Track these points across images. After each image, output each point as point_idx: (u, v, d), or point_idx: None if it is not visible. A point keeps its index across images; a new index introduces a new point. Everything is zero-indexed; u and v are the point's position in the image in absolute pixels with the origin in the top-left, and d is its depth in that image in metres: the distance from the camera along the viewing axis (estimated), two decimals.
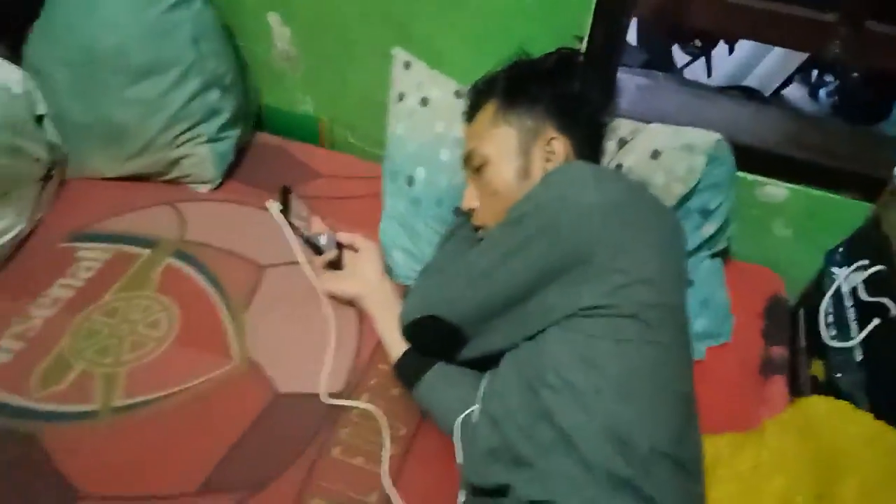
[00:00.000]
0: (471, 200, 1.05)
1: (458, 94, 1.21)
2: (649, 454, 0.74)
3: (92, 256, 1.24)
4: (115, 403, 1.02)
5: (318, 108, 1.47)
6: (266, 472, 0.95)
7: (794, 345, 1.19)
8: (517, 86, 1.03)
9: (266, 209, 1.30)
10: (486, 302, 0.89)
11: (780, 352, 1.16)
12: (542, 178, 0.92)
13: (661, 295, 0.83)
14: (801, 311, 1.22)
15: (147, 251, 1.24)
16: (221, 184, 1.39)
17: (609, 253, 0.80)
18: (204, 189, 1.38)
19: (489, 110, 1.03)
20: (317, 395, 1.04)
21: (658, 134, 1.15)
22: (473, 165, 1.03)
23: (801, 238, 1.32)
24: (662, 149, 1.12)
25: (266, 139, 1.50)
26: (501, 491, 0.79)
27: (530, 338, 0.87)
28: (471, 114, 1.08)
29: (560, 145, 0.99)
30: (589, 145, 1.05)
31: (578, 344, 0.81)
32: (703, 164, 1.11)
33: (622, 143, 1.16)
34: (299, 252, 1.13)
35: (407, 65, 1.25)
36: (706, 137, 1.12)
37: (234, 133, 1.38)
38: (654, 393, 0.79)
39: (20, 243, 1.26)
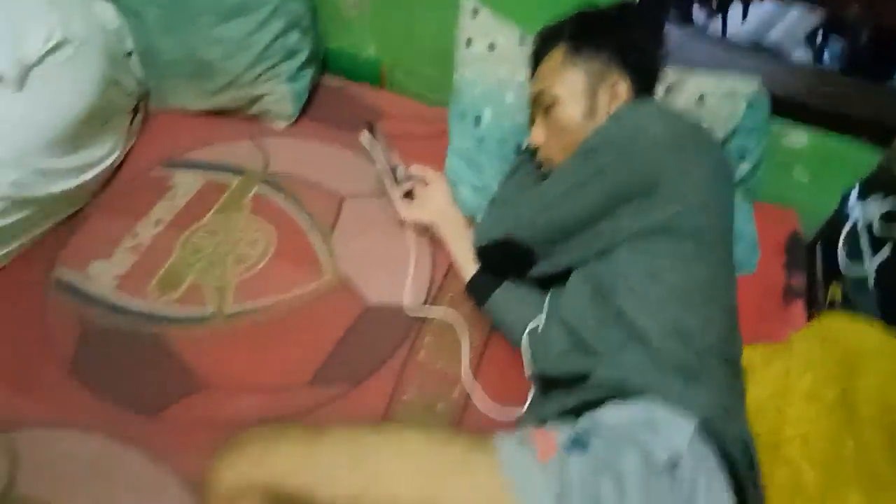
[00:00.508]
0: (537, 138, 1.17)
1: (522, 41, 1.33)
2: (705, 350, 0.90)
3: (186, 182, 1.36)
4: (227, 310, 1.16)
5: (382, 52, 1.58)
6: (363, 371, 1.11)
7: (813, 274, 1.35)
8: (584, 33, 1.15)
9: (342, 146, 1.44)
10: (560, 224, 1.03)
11: (799, 281, 1.32)
12: (612, 115, 1.05)
13: (715, 219, 0.98)
14: (819, 245, 1.38)
15: (236, 179, 1.37)
16: (296, 121, 1.51)
17: (673, 180, 0.94)
18: (281, 125, 1.50)
19: (557, 55, 1.15)
20: (401, 307, 1.19)
21: (702, 80, 1.28)
22: (543, 105, 1.15)
23: (819, 182, 1.47)
24: (707, 94, 1.26)
25: (330, 80, 1.61)
26: (575, 380, 0.95)
27: (598, 255, 1.01)
28: (538, 58, 1.20)
29: (623, 88, 1.12)
30: (646, 89, 1.18)
31: (644, 261, 0.95)
32: (743, 109, 1.25)
33: (669, 88, 1.29)
34: (387, 180, 1.26)
35: (475, 12, 1.36)
36: (746, 84, 1.25)
37: (309, 73, 1.50)
38: (707, 302, 0.94)
39: (115, 170, 1.38)
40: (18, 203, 1.17)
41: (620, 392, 0.85)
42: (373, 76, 1.60)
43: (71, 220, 1.30)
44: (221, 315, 1.15)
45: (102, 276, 1.20)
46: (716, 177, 0.99)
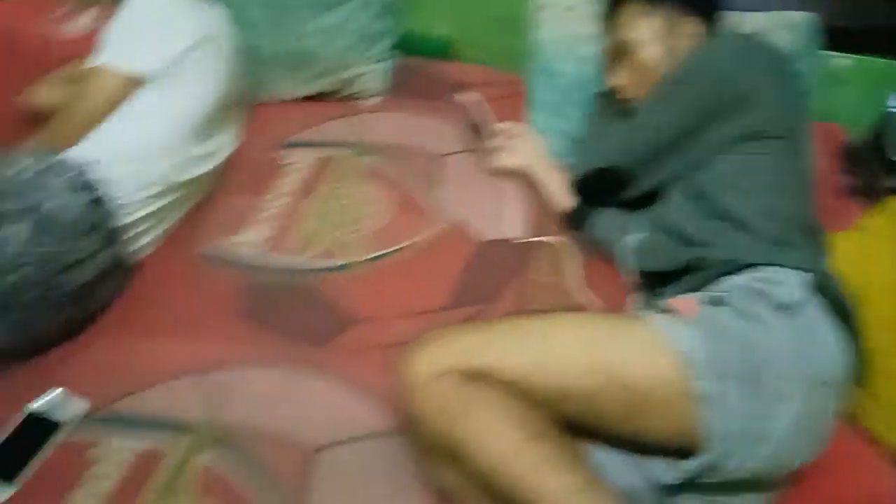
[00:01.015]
0: (621, 80, 1.31)
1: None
2: (798, 227, 1.06)
3: (299, 160, 1.54)
4: (363, 258, 1.33)
5: (453, 30, 1.75)
6: (489, 292, 1.28)
7: (867, 173, 1.49)
8: None
9: (429, 114, 1.61)
10: (655, 144, 1.19)
11: (855, 180, 1.47)
12: (693, 49, 1.20)
13: (796, 120, 1.13)
14: (868, 147, 1.52)
15: (346, 151, 1.55)
16: (384, 97, 1.69)
17: (760, 91, 1.09)
18: (371, 102, 1.67)
19: (634, 5, 1.30)
20: (509, 239, 1.36)
21: (761, 16, 1.44)
22: (624, 50, 1.30)
23: (865, 101, 1.62)
24: (767, 28, 1.42)
25: (406, 60, 1.77)
26: (687, 270, 1.09)
27: (694, 166, 1.16)
28: (614, 10, 1.35)
29: (694, 27, 1.27)
30: (714, 28, 1.33)
31: (738, 160, 1.11)
32: (799, 38, 1.40)
33: (731, 27, 1.44)
34: (484, 133, 1.43)
35: None
36: (801, 16, 1.43)
37: (394, 53, 1.67)
38: (795, 188, 1.11)
39: (234, 155, 1.56)
40: (173, 187, 1.34)
41: (735, 267, 1.01)
42: (444, 52, 1.77)
43: (206, 201, 1.47)
44: (359, 262, 1.33)
45: (247, 244, 1.37)
46: (790, 83, 1.15)
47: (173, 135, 1.35)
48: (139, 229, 1.30)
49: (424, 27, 1.75)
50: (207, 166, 1.43)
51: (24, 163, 1.17)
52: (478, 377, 0.90)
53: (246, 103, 1.63)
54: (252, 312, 1.26)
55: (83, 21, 1.91)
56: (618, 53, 1.31)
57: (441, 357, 0.93)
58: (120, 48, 1.30)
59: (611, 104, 1.38)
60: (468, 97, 1.43)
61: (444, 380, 0.90)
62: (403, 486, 1.00)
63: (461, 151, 1.54)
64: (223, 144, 1.49)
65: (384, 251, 1.34)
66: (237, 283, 1.31)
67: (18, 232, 1.10)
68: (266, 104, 1.67)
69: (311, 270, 1.32)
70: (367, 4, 1.58)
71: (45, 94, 1.53)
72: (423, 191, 1.46)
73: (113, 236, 1.24)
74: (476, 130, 1.47)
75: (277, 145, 1.58)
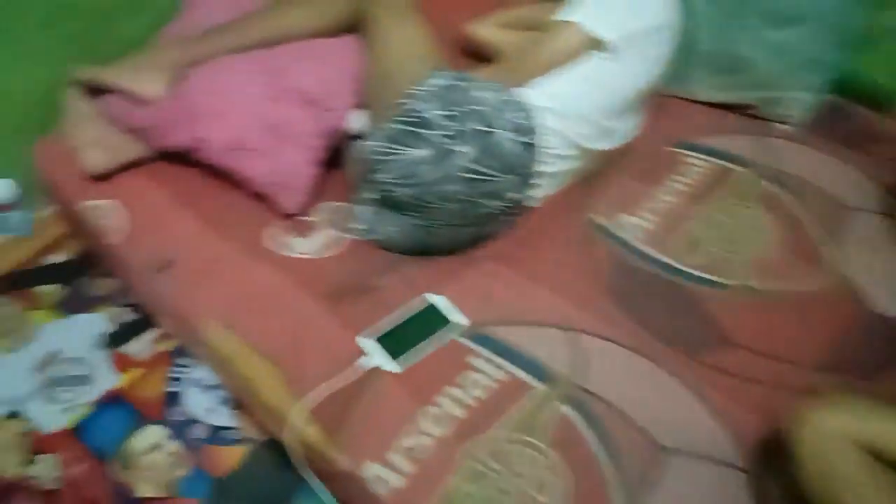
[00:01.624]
0: None
1: None
2: None
3: (696, 163, 1.53)
4: (746, 283, 1.30)
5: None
6: (868, 369, 1.18)
7: None
8: None
9: (842, 160, 1.51)
10: None
11: None
12: None
13: None
14: None
15: (747, 170, 1.51)
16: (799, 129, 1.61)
17: None
18: (786, 129, 1.60)
19: None
20: None
21: None
22: None
23: None
24: None
25: (838, 98, 1.65)
26: None
27: None
28: None
29: None
30: None
31: None
32: None
33: None
34: None
35: None
36: None
37: (829, 87, 1.58)
38: None
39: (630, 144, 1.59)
40: (579, 153, 1.40)
41: None
42: (883, 103, 1.63)
43: (597, 175, 1.52)
44: (741, 287, 1.29)
45: (630, 227, 1.40)
46: None
47: (601, 105, 1.40)
48: (543, 181, 1.39)
49: (869, 71, 1.62)
50: (612, 143, 1.47)
51: (487, 91, 1.29)
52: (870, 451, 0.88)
53: (658, 91, 1.65)
54: (621, 293, 1.29)
55: None
56: None
57: (845, 424, 0.91)
58: (595, 11, 1.36)
59: None
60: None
61: (841, 442, 0.88)
62: None
63: (873, 211, 1.42)
64: (631, 126, 1.52)
65: (769, 286, 1.29)
66: (612, 259, 1.34)
67: (469, 151, 1.23)
68: (675, 97, 1.67)
69: (690, 277, 1.31)
70: (820, 32, 1.50)
71: (491, 31, 1.67)
72: (820, 237, 1.38)
73: (527, 180, 1.34)
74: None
75: (677, 141, 1.58)
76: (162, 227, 1.37)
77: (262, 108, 1.37)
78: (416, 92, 1.25)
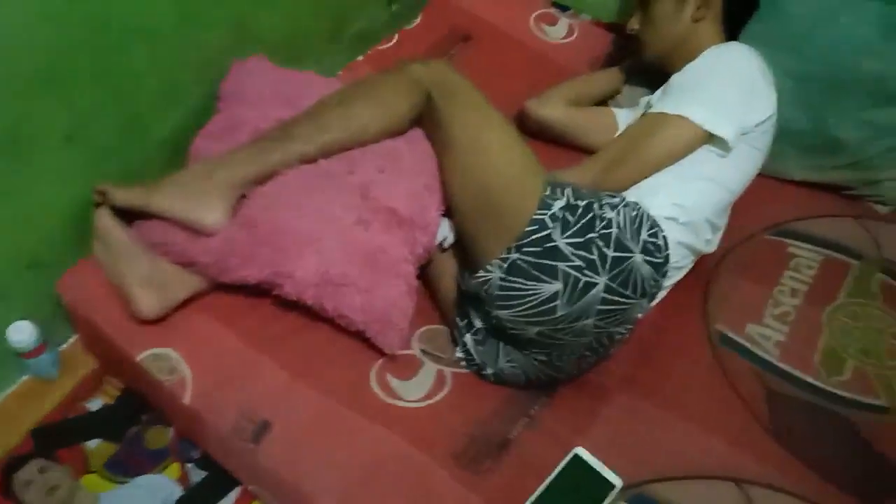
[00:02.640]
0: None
1: None
2: None
3: (804, 255, 1.43)
4: None
5: None
6: None
7: None
8: None
9: None
10: None
11: None
12: None
13: None
14: None
15: (856, 262, 1.42)
16: None
17: None
18: (885, 210, 1.52)
19: None
20: None
21: None
22: None
23: None
24: None
25: None
26: None
27: None
28: None
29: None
30: None
31: None
32: None
33: None
34: None
35: None
36: None
37: None
38: None
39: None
40: (695, 257, 1.28)
41: None
42: None
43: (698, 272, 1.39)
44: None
45: (762, 340, 1.28)
46: None
47: (718, 206, 1.27)
48: (661, 293, 1.26)
49: None
50: (716, 244, 1.34)
51: (613, 210, 1.14)
52: None
53: None
54: (779, 426, 1.17)
55: (560, 27, 1.91)
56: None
57: None
58: (706, 103, 1.22)
59: None
60: None
61: None
62: None
63: None
64: (725, 220, 1.40)
65: None
66: (755, 383, 1.22)
67: (606, 281, 1.08)
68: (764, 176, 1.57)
69: (840, 399, 1.20)
70: None
71: (557, 110, 1.52)
72: None
73: (654, 299, 1.20)
74: None
75: (773, 226, 1.48)
76: (243, 380, 1.17)
77: (352, 234, 1.18)
78: (542, 217, 1.10)
